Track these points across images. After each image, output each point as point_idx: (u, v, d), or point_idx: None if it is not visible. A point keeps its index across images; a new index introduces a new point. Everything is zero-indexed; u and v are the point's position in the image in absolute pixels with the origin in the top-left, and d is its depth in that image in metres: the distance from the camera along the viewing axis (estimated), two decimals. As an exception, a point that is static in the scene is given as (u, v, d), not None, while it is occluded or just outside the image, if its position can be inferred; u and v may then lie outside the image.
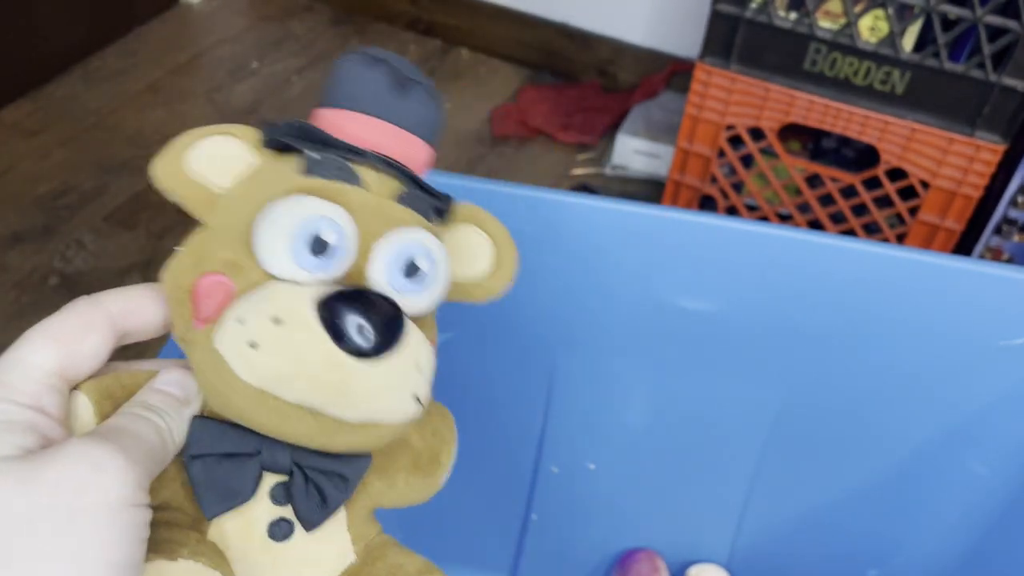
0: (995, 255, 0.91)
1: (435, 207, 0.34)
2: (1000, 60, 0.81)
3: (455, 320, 0.59)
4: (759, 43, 0.87)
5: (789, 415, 0.58)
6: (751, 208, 1.00)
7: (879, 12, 0.83)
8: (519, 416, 0.63)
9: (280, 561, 0.32)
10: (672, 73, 1.21)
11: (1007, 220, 0.89)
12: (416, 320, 0.32)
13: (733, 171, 0.98)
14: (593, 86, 1.26)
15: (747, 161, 0.97)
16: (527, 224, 0.54)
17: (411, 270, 0.31)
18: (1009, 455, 0.57)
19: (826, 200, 0.96)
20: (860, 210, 0.95)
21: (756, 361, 0.56)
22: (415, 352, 0.31)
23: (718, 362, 0.56)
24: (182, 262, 0.32)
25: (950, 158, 0.86)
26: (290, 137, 0.34)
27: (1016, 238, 0.89)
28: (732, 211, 1.00)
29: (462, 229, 0.37)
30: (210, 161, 0.35)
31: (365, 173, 0.32)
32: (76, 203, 1.03)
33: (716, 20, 0.88)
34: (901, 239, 0.94)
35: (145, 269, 0.96)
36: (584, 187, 1.12)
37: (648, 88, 1.20)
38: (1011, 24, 0.78)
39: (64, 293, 0.93)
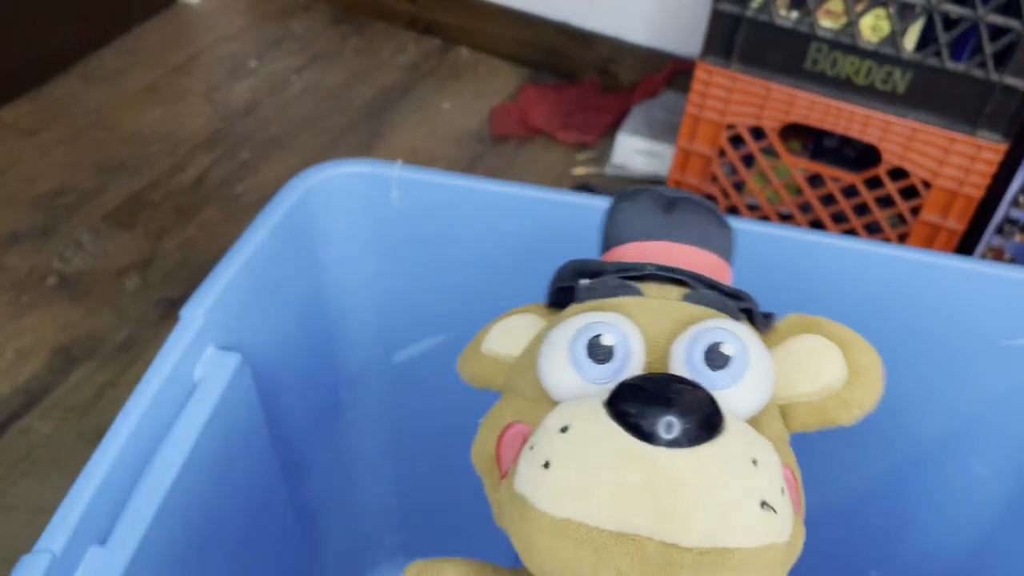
0: (997, 255, 0.91)
1: (741, 307, 0.30)
2: (1002, 59, 0.80)
3: (454, 320, 0.59)
4: (760, 42, 0.87)
5: (790, 415, 0.58)
6: (752, 208, 1.00)
7: (880, 11, 0.83)
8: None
9: None
10: (673, 72, 1.20)
11: (1009, 220, 0.88)
12: (749, 422, 0.27)
13: (734, 171, 0.98)
14: (593, 85, 1.26)
15: (748, 161, 0.97)
16: (527, 224, 0.53)
17: (716, 357, 0.27)
18: (1010, 455, 0.57)
19: (827, 200, 0.96)
20: (861, 210, 0.95)
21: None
22: (746, 444, 0.25)
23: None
24: (483, 432, 0.30)
25: (952, 158, 0.86)
26: (563, 280, 0.33)
27: (1018, 238, 0.89)
28: (733, 211, 0.99)
29: (798, 340, 0.31)
30: (501, 337, 0.34)
31: (645, 286, 0.30)
32: (74, 203, 1.03)
33: (717, 19, 0.88)
34: (903, 239, 0.94)
35: (144, 269, 0.96)
36: (584, 187, 1.12)
37: (648, 87, 1.20)
38: (1013, 23, 0.78)
39: (63, 293, 0.93)
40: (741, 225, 0.52)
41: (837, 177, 0.93)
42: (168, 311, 0.92)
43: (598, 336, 0.27)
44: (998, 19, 0.78)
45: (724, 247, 0.34)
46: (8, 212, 1.01)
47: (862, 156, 0.99)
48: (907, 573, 0.64)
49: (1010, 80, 0.80)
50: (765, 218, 0.98)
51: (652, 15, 1.21)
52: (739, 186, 0.99)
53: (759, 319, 0.32)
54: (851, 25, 0.83)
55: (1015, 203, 0.87)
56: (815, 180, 0.95)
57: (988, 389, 0.55)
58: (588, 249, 0.54)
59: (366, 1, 1.36)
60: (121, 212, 1.03)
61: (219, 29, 1.32)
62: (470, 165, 1.14)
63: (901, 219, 0.94)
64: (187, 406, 0.41)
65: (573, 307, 0.30)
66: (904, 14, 0.82)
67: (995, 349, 0.53)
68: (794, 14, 0.86)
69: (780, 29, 0.86)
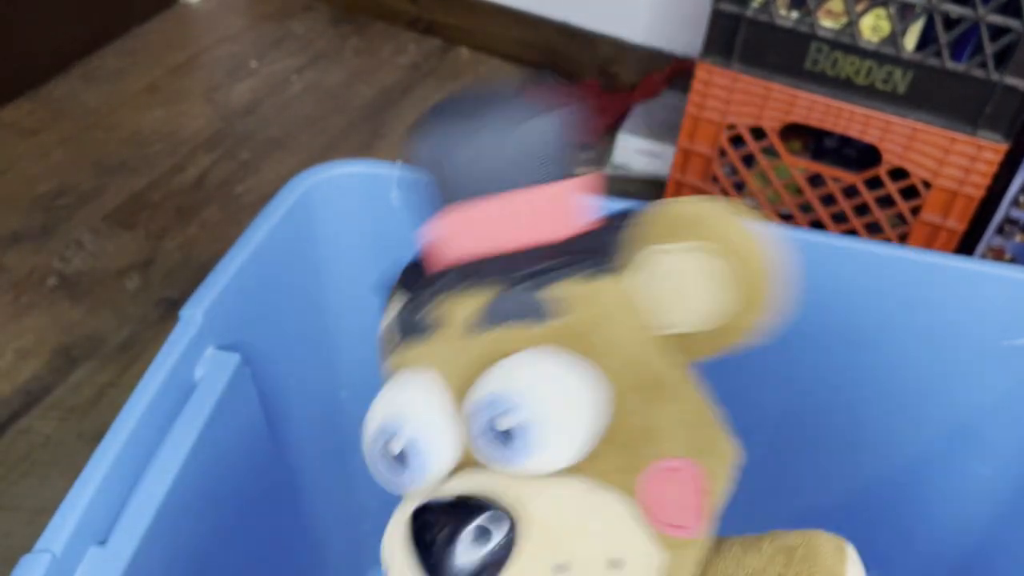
0: (997, 255, 0.91)
1: (579, 266, 0.26)
2: (1002, 59, 0.80)
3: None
4: (760, 42, 0.87)
5: (790, 415, 0.58)
6: (752, 208, 1.00)
7: (881, 11, 0.83)
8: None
9: None
10: (673, 72, 1.20)
11: (1009, 220, 0.88)
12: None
13: (734, 171, 0.98)
14: (593, 85, 1.26)
15: (748, 161, 0.97)
16: (528, 223, 0.53)
17: (502, 434, 0.24)
18: (1010, 455, 0.57)
19: (828, 200, 0.96)
20: (862, 210, 0.95)
21: (757, 361, 0.56)
22: (550, 556, 0.23)
23: (718, 362, 0.56)
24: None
25: (952, 158, 0.86)
26: (397, 291, 0.31)
27: (1018, 238, 0.89)
28: (733, 211, 0.99)
29: (674, 255, 0.26)
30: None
31: (443, 308, 0.27)
32: (75, 203, 1.03)
33: (717, 19, 0.88)
34: (903, 239, 0.94)
35: (144, 269, 0.96)
36: (584, 187, 1.12)
37: (649, 87, 1.20)
38: (1013, 23, 0.78)
39: (63, 293, 0.93)
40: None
41: (837, 177, 0.93)
42: (168, 311, 0.92)
43: (390, 445, 0.27)
44: (998, 19, 0.78)
45: (563, 164, 0.28)
46: (8, 212, 1.01)
47: (862, 156, 0.99)
48: (907, 573, 0.64)
49: (1010, 80, 0.80)
50: (765, 218, 0.98)
51: (652, 15, 1.21)
52: (739, 186, 0.99)
53: (608, 254, 0.27)
54: (851, 25, 0.83)
55: (1015, 203, 0.87)
56: (815, 180, 0.95)
57: (988, 389, 0.55)
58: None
59: (366, 1, 1.36)
60: (121, 212, 1.03)
61: (219, 29, 1.32)
62: (470, 165, 1.14)
63: (901, 219, 0.94)
64: (187, 406, 0.41)
65: (391, 359, 0.30)
66: (904, 14, 0.82)
67: (995, 349, 0.53)
68: (794, 14, 0.86)
69: (780, 29, 0.86)
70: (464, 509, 0.24)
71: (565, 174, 0.29)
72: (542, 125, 0.28)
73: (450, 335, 0.27)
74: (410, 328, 0.28)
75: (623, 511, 0.24)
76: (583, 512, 0.24)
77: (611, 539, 0.24)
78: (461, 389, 0.26)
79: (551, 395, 0.24)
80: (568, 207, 0.28)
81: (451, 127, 0.28)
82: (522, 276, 0.26)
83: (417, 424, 0.26)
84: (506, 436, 0.24)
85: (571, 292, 0.26)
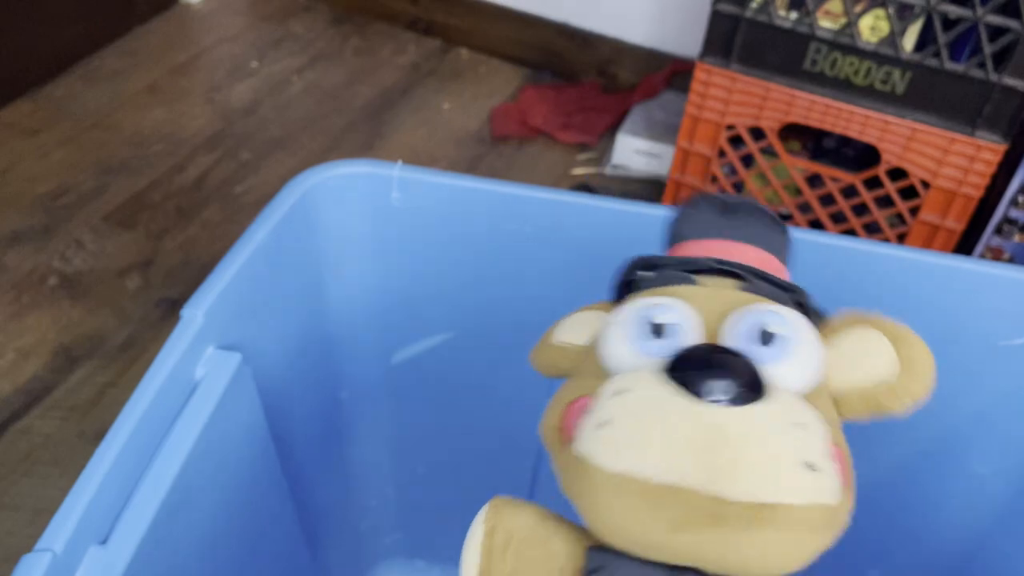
0: (996, 255, 0.91)
1: (793, 300, 0.32)
2: (1001, 60, 0.81)
3: (455, 320, 0.59)
4: (759, 43, 0.87)
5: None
6: (751, 208, 1.00)
7: (879, 12, 0.83)
8: (519, 415, 0.62)
9: None
10: (672, 73, 1.21)
11: (1008, 220, 0.89)
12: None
13: (733, 171, 0.98)
14: (593, 86, 1.26)
15: (747, 161, 0.97)
16: (527, 224, 0.54)
17: (764, 335, 0.29)
18: (1010, 454, 0.57)
19: (826, 200, 0.96)
20: (861, 210, 0.95)
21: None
22: (792, 410, 0.27)
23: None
24: (549, 409, 0.32)
25: (951, 158, 0.86)
26: (626, 274, 0.35)
27: (1017, 238, 0.89)
28: (732, 211, 1.00)
29: (851, 332, 0.33)
30: (569, 328, 0.36)
31: (702, 279, 0.32)
32: (75, 203, 1.03)
33: (716, 20, 0.88)
34: (902, 239, 0.94)
35: (144, 269, 0.96)
36: (584, 187, 1.12)
37: (648, 88, 1.20)
38: (1012, 24, 0.78)
39: (64, 293, 0.93)
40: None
41: (836, 177, 0.93)
42: (169, 311, 0.92)
43: (655, 315, 0.29)
44: (997, 19, 0.78)
45: (780, 248, 0.35)
46: (9, 212, 1.01)
47: (861, 156, 0.99)
48: (906, 572, 0.64)
49: (1009, 80, 0.80)
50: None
51: (652, 16, 1.21)
52: (738, 186, 0.99)
53: (813, 313, 0.33)
54: (850, 26, 0.83)
55: (1014, 203, 0.87)
56: (814, 180, 0.95)
57: (987, 389, 0.55)
58: (587, 249, 0.54)
59: (366, 2, 1.36)
60: (122, 212, 1.03)
61: (220, 30, 1.33)
62: (470, 165, 1.14)
63: (900, 219, 0.94)
64: (187, 406, 0.41)
65: (634, 296, 0.32)
66: (903, 14, 0.82)
67: (994, 349, 0.54)
68: (793, 15, 0.86)
69: (779, 29, 0.86)
70: (724, 350, 0.28)
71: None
72: (778, 230, 0.35)
73: (703, 290, 0.31)
74: (663, 281, 0.32)
75: (826, 431, 0.28)
76: (809, 410, 0.28)
77: (822, 444, 0.27)
78: (710, 320, 0.29)
79: (807, 330, 0.30)
80: (779, 274, 0.34)
81: (717, 202, 0.35)
82: (766, 276, 0.32)
83: (683, 309, 0.30)
84: (767, 338, 0.28)
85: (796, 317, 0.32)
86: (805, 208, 0.98)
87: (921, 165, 0.88)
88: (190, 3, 1.36)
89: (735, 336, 0.29)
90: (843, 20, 0.84)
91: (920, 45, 0.84)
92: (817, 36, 0.85)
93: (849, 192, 0.94)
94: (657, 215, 0.53)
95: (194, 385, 0.42)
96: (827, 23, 0.85)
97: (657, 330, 0.29)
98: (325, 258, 0.54)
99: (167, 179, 1.07)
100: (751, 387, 0.26)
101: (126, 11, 1.28)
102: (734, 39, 0.88)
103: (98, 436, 0.37)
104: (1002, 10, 0.78)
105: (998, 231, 0.90)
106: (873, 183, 0.92)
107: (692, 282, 0.32)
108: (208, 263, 0.96)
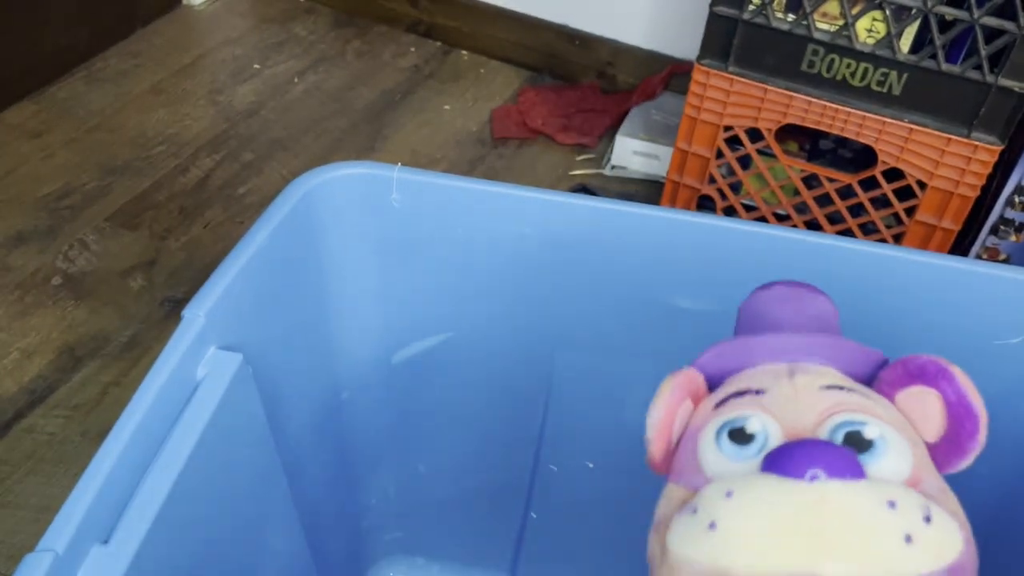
0: (992, 255, 0.92)
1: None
2: (997, 61, 0.81)
3: (455, 320, 0.59)
4: (757, 45, 0.88)
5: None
6: (749, 208, 1.01)
7: (876, 14, 0.83)
8: (518, 415, 0.63)
9: None
10: (671, 74, 1.21)
11: (1004, 220, 0.89)
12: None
13: (731, 172, 0.98)
14: (592, 87, 1.27)
15: (745, 162, 0.97)
16: (526, 225, 0.54)
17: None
18: (1006, 454, 0.58)
19: (823, 200, 0.96)
20: (857, 210, 0.96)
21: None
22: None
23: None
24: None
25: (947, 159, 0.86)
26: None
27: (1013, 238, 0.90)
28: (730, 211, 1.00)
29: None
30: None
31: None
32: (79, 204, 1.04)
33: (714, 22, 0.88)
34: (898, 239, 0.94)
35: (148, 270, 0.97)
36: (584, 187, 1.12)
37: (647, 89, 1.20)
38: (1008, 25, 0.78)
39: (67, 293, 0.94)
40: (738, 225, 0.52)
41: (833, 178, 0.93)
42: (172, 311, 0.93)
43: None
44: (993, 21, 0.78)
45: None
46: (13, 213, 1.02)
47: (858, 157, 0.99)
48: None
49: (1005, 82, 0.81)
50: (762, 219, 0.99)
51: (650, 18, 1.21)
52: (736, 187, 1.00)
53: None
54: (847, 27, 0.84)
55: (1010, 203, 0.88)
56: (811, 181, 0.95)
57: (984, 389, 0.55)
58: (587, 250, 0.54)
59: (368, 4, 1.37)
60: (125, 213, 1.03)
61: (222, 32, 1.33)
62: (471, 167, 1.14)
63: (897, 219, 0.94)
64: (189, 406, 0.41)
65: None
66: (900, 16, 0.82)
67: (990, 348, 0.54)
68: (790, 16, 0.86)
69: (777, 31, 0.86)
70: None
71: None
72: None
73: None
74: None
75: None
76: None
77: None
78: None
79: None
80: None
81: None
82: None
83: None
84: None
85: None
86: (802, 209, 0.98)
87: (918, 166, 0.88)
88: (193, 5, 1.37)
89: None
90: (840, 22, 0.84)
91: (917, 47, 0.84)
92: (814, 38, 0.85)
93: (846, 193, 0.94)
94: (656, 216, 0.53)
95: (195, 385, 0.42)
96: (824, 25, 0.85)
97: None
98: (326, 259, 0.54)
99: (170, 180, 1.08)
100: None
101: (129, 13, 1.29)
102: (732, 41, 0.88)
103: (101, 435, 0.37)
104: (998, 12, 0.79)
105: (994, 231, 0.90)
106: (870, 184, 0.92)
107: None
108: (211, 263, 0.96)
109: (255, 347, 0.46)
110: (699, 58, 0.90)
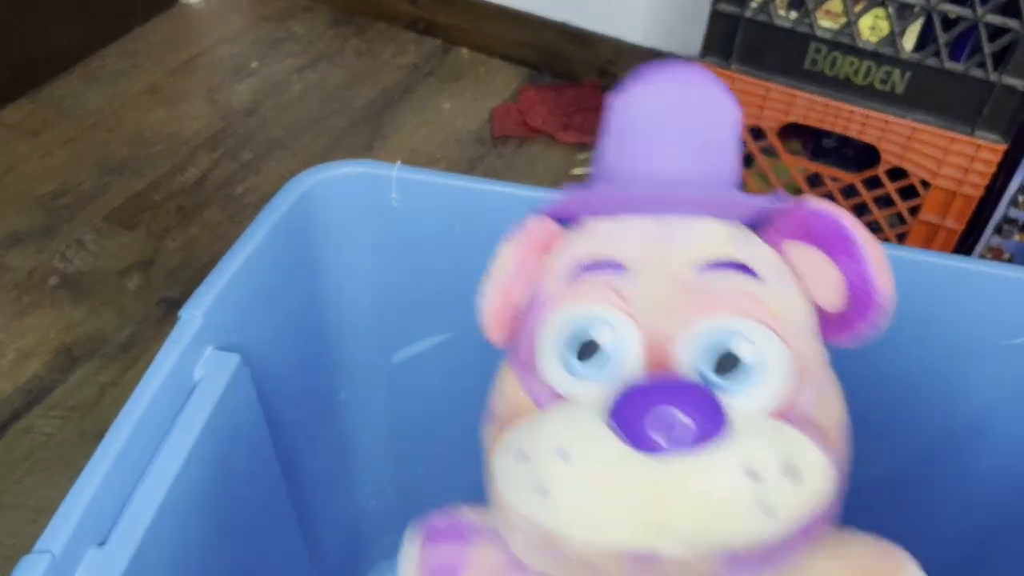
0: (996, 255, 0.91)
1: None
2: (1001, 59, 0.80)
3: (455, 320, 0.59)
4: (759, 43, 0.87)
5: (789, 415, 0.58)
6: (751, 208, 1.00)
7: (879, 11, 0.83)
8: (519, 416, 0.63)
9: None
10: (672, 73, 1.20)
11: (1007, 220, 0.89)
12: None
13: (733, 171, 0.98)
14: (593, 86, 1.26)
15: (747, 161, 0.97)
16: (527, 224, 0.54)
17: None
18: (1010, 455, 0.57)
19: (826, 199, 0.96)
20: (860, 209, 0.95)
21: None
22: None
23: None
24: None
25: (950, 158, 0.86)
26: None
27: (1017, 237, 0.89)
28: (732, 211, 1.00)
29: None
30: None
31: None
32: (76, 203, 1.03)
33: (716, 20, 0.88)
34: (901, 239, 0.94)
35: (145, 269, 0.97)
36: (584, 187, 1.12)
37: (648, 88, 1.20)
38: (1011, 23, 0.78)
39: (64, 293, 0.93)
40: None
41: (836, 177, 0.93)
42: (170, 311, 0.92)
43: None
44: (997, 19, 0.78)
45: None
46: (10, 212, 1.01)
47: (861, 156, 0.99)
48: (906, 572, 0.64)
49: (1009, 80, 0.80)
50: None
51: (651, 16, 1.21)
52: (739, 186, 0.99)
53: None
54: (850, 25, 0.83)
55: (1014, 203, 0.87)
56: (814, 180, 0.95)
57: (988, 389, 0.55)
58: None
59: (367, 2, 1.37)
60: (123, 212, 1.03)
61: (220, 30, 1.33)
62: (470, 165, 1.14)
63: (900, 219, 0.94)
64: (186, 407, 0.41)
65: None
66: (903, 14, 0.82)
67: (994, 348, 0.53)
68: (793, 14, 0.86)
69: (779, 29, 0.86)
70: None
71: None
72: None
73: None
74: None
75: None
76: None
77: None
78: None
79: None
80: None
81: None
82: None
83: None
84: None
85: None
86: (805, 208, 0.98)
87: (921, 165, 0.87)
88: (190, 3, 1.36)
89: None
90: (843, 20, 0.84)
91: (920, 45, 0.84)
92: (817, 36, 0.85)
93: (849, 192, 0.94)
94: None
95: (193, 386, 0.42)
96: (827, 23, 0.85)
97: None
98: (324, 258, 0.54)
99: (168, 179, 1.07)
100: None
101: (126, 11, 1.29)
102: (734, 39, 0.88)
103: (99, 436, 0.37)
104: (1002, 10, 0.78)
105: (998, 231, 0.90)
106: (873, 183, 0.92)
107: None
108: (209, 263, 0.95)
109: (253, 347, 0.46)
110: (701, 56, 0.90)
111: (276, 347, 0.50)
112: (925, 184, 0.89)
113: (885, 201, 0.94)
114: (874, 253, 0.27)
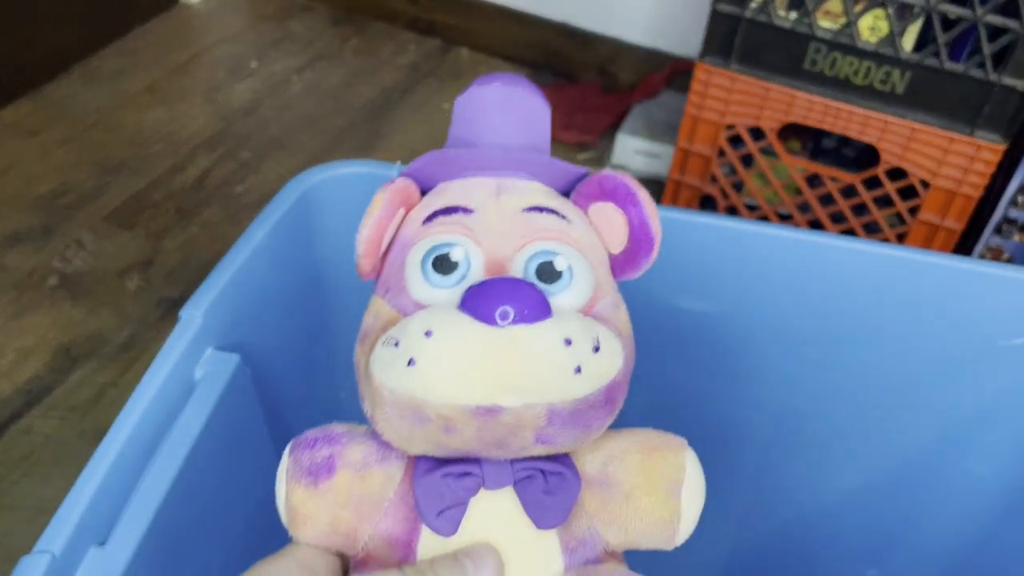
0: (995, 255, 0.91)
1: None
2: (1000, 59, 0.81)
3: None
4: (759, 43, 0.87)
5: (789, 415, 0.58)
6: (751, 208, 1.00)
7: (879, 12, 0.83)
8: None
9: None
10: (672, 73, 1.21)
11: (1007, 220, 0.89)
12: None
13: (733, 171, 0.98)
14: (593, 86, 1.26)
15: (747, 161, 0.97)
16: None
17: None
18: (1009, 455, 0.57)
19: (826, 200, 0.96)
20: (860, 210, 0.95)
21: (756, 361, 0.56)
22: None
23: (717, 362, 0.56)
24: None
25: (950, 158, 0.86)
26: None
27: (1016, 238, 0.89)
28: (732, 211, 1.00)
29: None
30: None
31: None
32: (75, 203, 1.03)
33: (716, 20, 0.88)
34: (901, 239, 0.94)
35: (145, 269, 0.96)
36: (584, 187, 1.12)
37: (648, 88, 1.20)
38: (1011, 23, 0.78)
39: (64, 293, 0.93)
40: (740, 225, 0.52)
41: (836, 177, 0.93)
42: (169, 311, 0.92)
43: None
44: (997, 19, 0.78)
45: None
46: (9, 212, 1.01)
47: (861, 156, 0.99)
48: (906, 572, 0.64)
49: (1008, 80, 0.80)
50: (764, 218, 0.98)
51: (651, 16, 1.21)
52: (738, 186, 1.00)
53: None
54: (850, 25, 0.83)
55: (1013, 203, 0.87)
56: (814, 180, 0.95)
57: (986, 389, 0.55)
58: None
59: (366, 1, 1.36)
60: (122, 212, 1.03)
61: (219, 30, 1.33)
62: (470, 165, 1.14)
63: (900, 219, 0.94)
64: (186, 407, 0.41)
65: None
66: (902, 14, 0.82)
67: (994, 349, 0.53)
68: (793, 15, 0.86)
69: (779, 29, 0.86)
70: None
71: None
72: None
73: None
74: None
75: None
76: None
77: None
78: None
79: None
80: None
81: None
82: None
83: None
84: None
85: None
86: (805, 208, 0.98)
87: (921, 165, 0.88)
88: (190, 3, 1.36)
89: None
90: (843, 20, 0.84)
91: (920, 45, 0.84)
92: (817, 36, 0.85)
93: (849, 192, 0.94)
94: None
95: (193, 386, 0.42)
96: (827, 23, 0.85)
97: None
98: (325, 258, 0.54)
99: (167, 179, 1.07)
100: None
101: (126, 11, 1.29)
102: (734, 39, 0.88)
103: (98, 436, 0.37)
104: (1002, 10, 0.78)
105: (998, 231, 0.90)
106: (873, 183, 0.92)
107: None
108: (208, 263, 0.96)
109: (253, 347, 0.46)
110: (701, 56, 0.90)
111: (276, 347, 0.50)
112: (925, 184, 0.89)
113: (885, 201, 0.94)
114: (651, 204, 0.37)
